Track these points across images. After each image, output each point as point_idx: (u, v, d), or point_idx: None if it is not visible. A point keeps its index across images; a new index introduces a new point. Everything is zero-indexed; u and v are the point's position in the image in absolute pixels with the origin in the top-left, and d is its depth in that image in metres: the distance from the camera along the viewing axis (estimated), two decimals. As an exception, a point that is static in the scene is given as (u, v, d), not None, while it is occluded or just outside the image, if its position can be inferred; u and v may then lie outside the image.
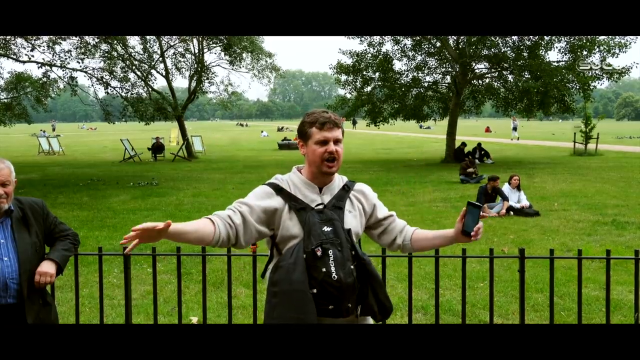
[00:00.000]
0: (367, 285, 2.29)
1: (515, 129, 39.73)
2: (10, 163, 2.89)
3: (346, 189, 2.37)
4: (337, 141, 2.28)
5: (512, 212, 10.28)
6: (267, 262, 2.39)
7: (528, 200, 10.76)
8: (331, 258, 2.18)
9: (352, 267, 2.23)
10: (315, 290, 2.16)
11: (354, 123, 74.27)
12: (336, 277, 2.17)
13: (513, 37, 20.44)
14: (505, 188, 10.81)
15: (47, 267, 2.88)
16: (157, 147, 25.23)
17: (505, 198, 10.43)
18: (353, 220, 2.33)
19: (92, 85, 23.98)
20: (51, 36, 20.53)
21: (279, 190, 2.30)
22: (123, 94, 24.26)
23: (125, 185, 15.16)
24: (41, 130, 49.73)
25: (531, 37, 19.94)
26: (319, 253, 2.17)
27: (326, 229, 2.23)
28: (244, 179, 16.48)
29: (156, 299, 3.70)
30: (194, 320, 5.07)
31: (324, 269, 2.17)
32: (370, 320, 2.39)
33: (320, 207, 2.28)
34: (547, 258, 3.55)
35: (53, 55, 21.53)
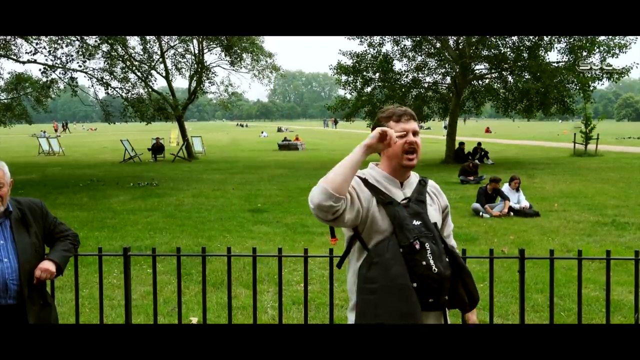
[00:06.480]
0: (458, 278, 2.26)
1: (446, 127, 41.34)
2: (4, 164, 2.87)
3: (423, 184, 2.36)
4: (415, 133, 2.26)
5: (512, 213, 10.28)
6: (343, 255, 2.33)
7: (528, 200, 10.75)
8: (429, 251, 2.16)
9: (447, 259, 2.21)
10: (415, 285, 2.12)
11: (335, 123, 73.72)
12: (436, 270, 2.15)
13: (513, 37, 20.43)
14: (505, 188, 10.80)
15: (47, 265, 2.88)
16: (157, 148, 25.22)
17: (505, 198, 10.41)
18: (435, 214, 2.32)
19: (92, 85, 24.04)
20: (52, 37, 20.54)
21: (366, 182, 2.25)
22: (123, 95, 24.29)
23: (125, 185, 15.16)
24: (41, 130, 49.69)
25: (531, 37, 19.93)
26: (417, 247, 2.14)
27: (416, 222, 2.20)
28: (244, 179, 16.48)
29: (156, 299, 3.70)
30: (194, 320, 5.07)
31: (423, 262, 2.14)
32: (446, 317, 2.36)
33: (405, 201, 2.25)
34: (547, 258, 3.54)
35: (54, 59, 21.56)
